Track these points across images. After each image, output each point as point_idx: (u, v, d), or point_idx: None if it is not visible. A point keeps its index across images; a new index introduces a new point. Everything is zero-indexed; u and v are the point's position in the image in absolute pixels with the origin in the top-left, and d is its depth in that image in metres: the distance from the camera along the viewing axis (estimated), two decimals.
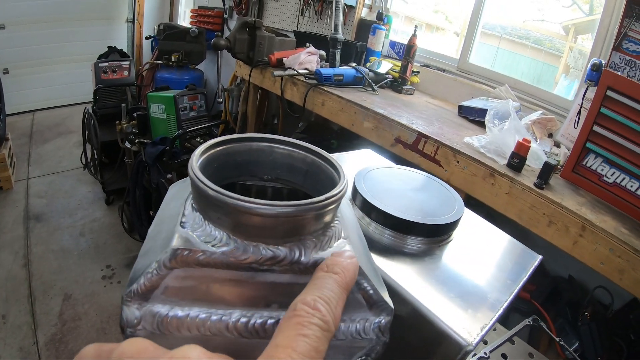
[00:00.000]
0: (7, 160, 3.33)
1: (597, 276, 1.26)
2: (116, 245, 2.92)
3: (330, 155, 0.46)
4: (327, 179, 0.45)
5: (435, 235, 0.69)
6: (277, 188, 0.53)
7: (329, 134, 2.78)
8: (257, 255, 0.34)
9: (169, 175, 2.35)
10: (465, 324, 0.55)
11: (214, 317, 0.33)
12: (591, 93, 1.51)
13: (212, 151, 0.44)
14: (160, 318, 0.33)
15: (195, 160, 0.39)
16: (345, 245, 0.39)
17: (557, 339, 1.08)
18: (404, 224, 0.67)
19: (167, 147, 2.33)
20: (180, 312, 0.33)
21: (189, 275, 0.34)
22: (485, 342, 0.97)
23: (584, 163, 1.44)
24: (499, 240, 0.78)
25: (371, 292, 0.37)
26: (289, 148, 0.48)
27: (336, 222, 0.41)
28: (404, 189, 0.76)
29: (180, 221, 0.37)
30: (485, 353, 0.88)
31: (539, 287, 1.76)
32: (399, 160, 1.60)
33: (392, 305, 0.39)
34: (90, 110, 3.21)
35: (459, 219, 0.70)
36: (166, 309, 0.33)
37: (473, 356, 0.87)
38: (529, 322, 1.06)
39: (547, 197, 1.32)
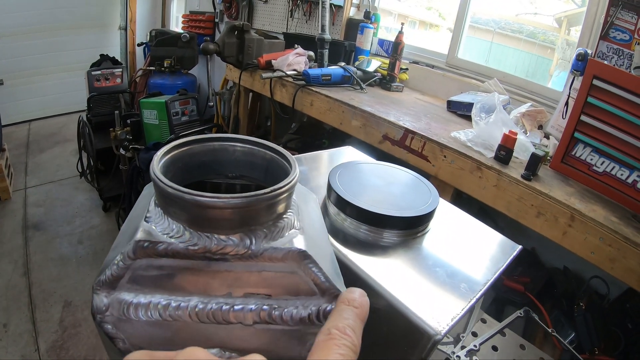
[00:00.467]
0: (4, 170, 3.33)
1: (592, 266, 1.26)
2: None
3: (285, 150, 0.48)
4: (285, 174, 0.46)
5: (410, 227, 0.69)
6: (245, 185, 0.55)
7: (321, 133, 2.80)
8: (210, 244, 0.36)
9: None
10: (436, 314, 0.55)
11: (173, 304, 0.35)
12: (578, 83, 1.51)
13: (176, 152, 0.46)
14: (125, 305, 0.35)
15: (157, 161, 0.41)
16: (297, 235, 0.40)
17: (550, 330, 1.08)
18: (378, 218, 0.67)
19: None
20: (143, 299, 0.35)
21: (151, 265, 0.36)
22: (475, 335, 0.97)
23: (573, 153, 1.44)
24: (478, 231, 0.79)
25: (322, 279, 0.38)
26: (249, 146, 0.50)
27: (289, 213, 0.42)
28: (378, 184, 0.77)
29: (145, 216, 0.39)
30: (475, 345, 0.88)
31: (533, 279, 1.76)
32: (387, 157, 1.61)
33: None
34: (84, 119, 3.23)
35: (433, 210, 0.70)
36: (131, 297, 0.35)
37: (462, 348, 0.88)
38: (520, 314, 1.06)
39: (534, 188, 1.32)
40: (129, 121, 2.73)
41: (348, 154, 1.00)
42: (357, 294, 0.36)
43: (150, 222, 0.38)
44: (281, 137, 2.94)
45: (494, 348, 0.99)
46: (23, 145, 4.42)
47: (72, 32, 4.98)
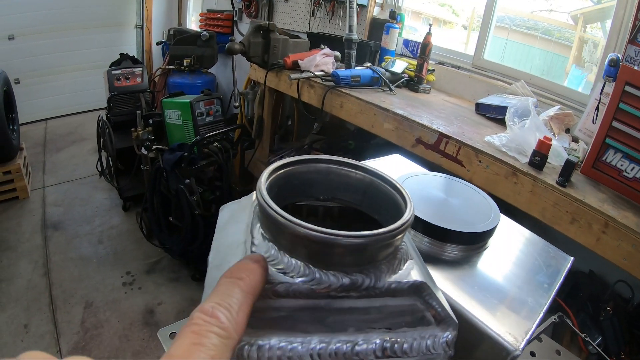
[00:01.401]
0: (22, 169, 3.35)
1: (617, 270, 1.26)
2: (135, 251, 2.94)
3: (391, 177, 0.47)
4: (387, 199, 0.46)
5: (473, 242, 0.70)
6: (328, 207, 0.54)
7: (345, 134, 2.79)
8: (336, 283, 0.35)
9: (187, 181, 2.36)
10: (511, 329, 0.55)
11: (294, 345, 0.34)
12: (609, 88, 1.51)
13: (274, 176, 0.44)
14: (240, 350, 0.33)
15: (264, 187, 0.39)
16: (413, 266, 0.40)
17: (583, 335, 1.09)
18: (443, 232, 0.67)
19: (186, 154, 2.34)
20: (260, 341, 0.34)
21: (267, 306, 0.35)
22: None
23: (603, 159, 1.42)
24: (531, 243, 0.79)
25: (439, 309, 0.38)
26: (347, 169, 0.49)
27: (403, 244, 0.42)
28: (441, 197, 0.77)
29: (251, 251, 0.37)
30: None
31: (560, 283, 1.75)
32: (421, 162, 1.61)
33: (456, 320, 0.40)
34: (104, 118, 3.22)
35: (496, 226, 0.71)
36: (246, 339, 0.34)
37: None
38: (554, 319, 1.06)
39: (569, 194, 1.32)
40: (150, 121, 2.72)
41: (398, 163, 1.00)
42: (247, 261, 0.31)
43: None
44: (304, 137, 2.94)
45: (532, 354, 0.99)
46: (40, 144, 4.45)
47: (87, 31, 5.00)
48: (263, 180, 0.41)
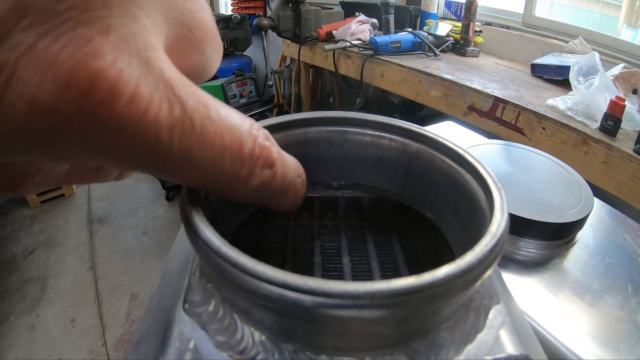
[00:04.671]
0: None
1: None
2: None
3: (454, 143, 0.27)
4: (448, 182, 0.26)
5: (558, 237, 0.51)
6: (353, 198, 0.34)
7: (390, 107, 2.63)
8: None
9: None
10: None
11: None
12: None
13: None
14: None
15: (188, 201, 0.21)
16: (502, 320, 0.20)
17: None
18: (522, 223, 0.49)
19: None
20: None
21: None
22: None
23: None
24: (629, 231, 0.59)
25: None
26: (373, 132, 0.29)
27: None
28: (512, 172, 0.59)
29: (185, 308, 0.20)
30: None
31: None
32: (476, 132, 1.43)
33: None
34: None
35: (588, 214, 0.52)
36: None
37: None
38: None
39: None
40: None
41: (452, 131, 0.82)
42: None
43: (199, 316, 0.19)
44: None
45: None
46: None
47: None
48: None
